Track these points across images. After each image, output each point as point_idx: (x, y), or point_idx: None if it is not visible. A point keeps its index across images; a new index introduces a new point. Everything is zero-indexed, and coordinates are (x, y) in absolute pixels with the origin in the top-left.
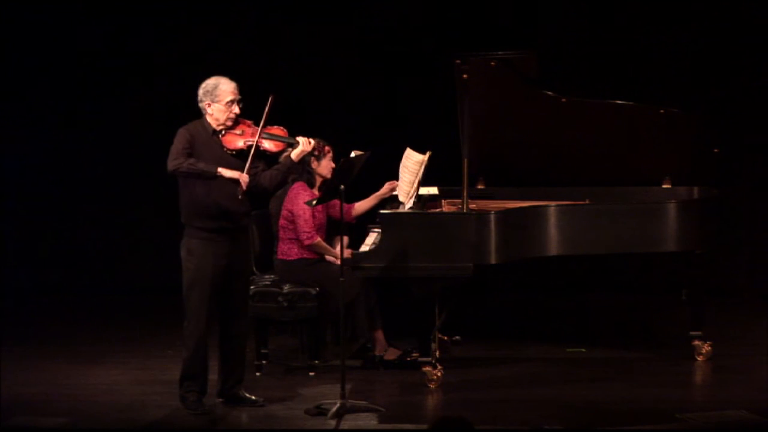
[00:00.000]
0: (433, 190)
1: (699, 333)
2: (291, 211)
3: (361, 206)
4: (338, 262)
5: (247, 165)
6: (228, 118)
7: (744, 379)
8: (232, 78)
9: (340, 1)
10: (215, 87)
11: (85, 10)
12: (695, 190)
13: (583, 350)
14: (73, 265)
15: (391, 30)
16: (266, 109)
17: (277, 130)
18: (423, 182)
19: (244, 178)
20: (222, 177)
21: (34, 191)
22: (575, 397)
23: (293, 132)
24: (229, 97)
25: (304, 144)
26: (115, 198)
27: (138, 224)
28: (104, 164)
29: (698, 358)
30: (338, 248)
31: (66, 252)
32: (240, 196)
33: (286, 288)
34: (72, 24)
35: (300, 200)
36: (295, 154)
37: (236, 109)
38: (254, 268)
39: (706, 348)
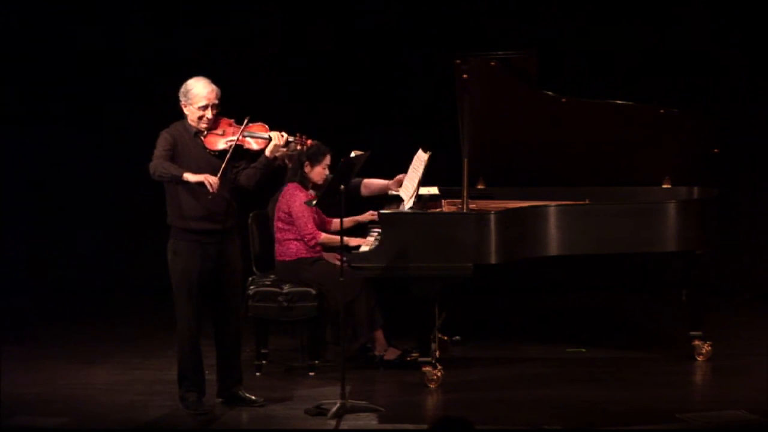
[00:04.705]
0: (433, 190)
1: (699, 333)
2: (288, 213)
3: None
4: (353, 242)
5: (222, 166)
6: (200, 122)
7: (744, 379)
8: (226, 80)
9: (341, 1)
10: (190, 89)
11: (84, 11)
12: (695, 190)
13: (583, 350)
14: (73, 265)
15: (391, 29)
16: (242, 127)
17: (259, 128)
18: (423, 182)
19: (210, 180)
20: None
21: (34, 191)
22: (575, 397)
23: (281, 130)
24: (202, 102)
25: (276, 138)
26: (115, 198)
27: (138, 224)
28: (104, 164)
29: (698, 358)
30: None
31: (66, 252)
32: (209, 197)
33: (286, 288)
34: (71, 25)
35: (296, 201)
36: (268, 149)
37: (209, 115)
38: (254, 268)
39: (706, 348)
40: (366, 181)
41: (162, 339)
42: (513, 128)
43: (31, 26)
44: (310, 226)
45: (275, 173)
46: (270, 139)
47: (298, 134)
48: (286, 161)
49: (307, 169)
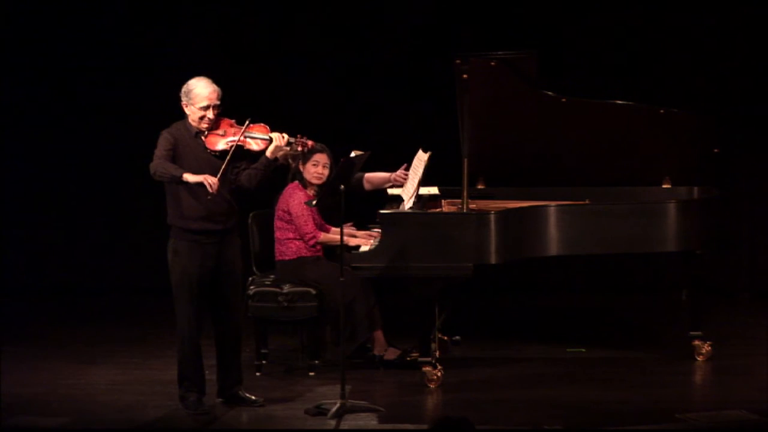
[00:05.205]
0: (433, 190)
1: (699, 333)
2: (288, 212)
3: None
4: (354, 241)
5: (223, 166)
6: (201, 122)
7: (744, 379)
8: (224, 81)
9: (341, 0)
10: (192, 89)
11: (83, 11)
12: (695, 190)
13: (583, 350)
14: (73, 265)
15: (391, 29)
16: (243, 128)
17: (260, 128)
18: (423, 182)
19: (209, 180)
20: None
21: (34, 191)
22: (575, 397)
23: (281, 130)
24: (204, 103)
25: (277, 140)
26: (115, 197)
27: (138, 224)
28: (104, 163)
29: (698, 358)
30: (345, 236)
31: (65, 252)
32: (209, 197)
33: (286, 288)
34: (72, 26)
35: (295, 200)
36: (269, 150)
37: (210, 115)
38: (254, 268)
39: (706, 348)
40: (368, 175)
41: (162, 339)
42: (513, 128)
43: (31, 27)
44: (310, 226)
45: (278, 173)
46: (271, 141)
47: (299, 135)
48: (290, 160)
49: (300, 167)
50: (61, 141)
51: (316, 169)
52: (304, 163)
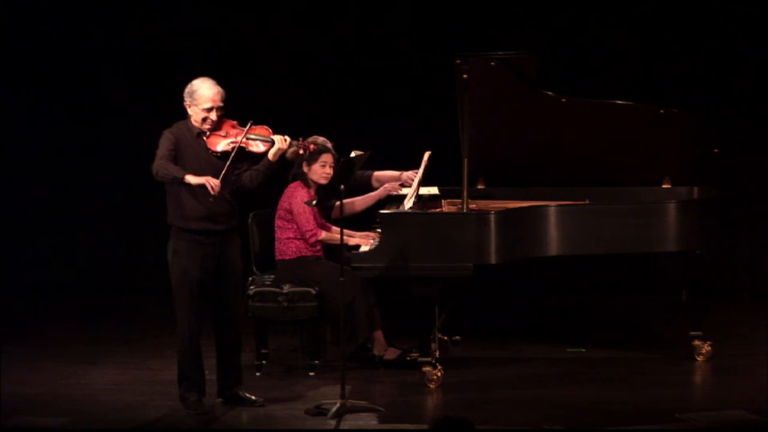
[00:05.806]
0: (433, 190)
1: (699, 333)
2: (289, 210)
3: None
4: (353, 241)
5: (225, 168)
6: (204, 123)
7: (744, 379)
8: (226, 81)
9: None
10: (196, 90)
11: (84, 11)
12: (695, 190)
13: (583, 350)
14: (73, 265)
15: (390, 29)
16: (245, 130)
17: (262, 130)
18: (423, 182)
19: (211, 182)
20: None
21: (34, 190)
22: (575, 397)
23: (283, 130)
24: (207, 104)
25: (279, 142)
26: (115, 197)
27: (138, 224)
28: (104, 163)
29: (698, 358)
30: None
31: (65, 252)
32: (211, 199)
33: (286, 288)
34: (74, 24)
35: (297, 199)
36: (271, 153)
37: (213, 116)
38: (254, 268)
39: (706, 348)
40: (377, 174)
41: (162, 339)
42: (513, 128)
43: (32, 27)
44: (312, 223)
45: (279, 173)
46: (273, 143)
47: (300, 138)
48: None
49: (305, 168)
50: (62, 141)
51: (324, 169)
52: (310, 164)
